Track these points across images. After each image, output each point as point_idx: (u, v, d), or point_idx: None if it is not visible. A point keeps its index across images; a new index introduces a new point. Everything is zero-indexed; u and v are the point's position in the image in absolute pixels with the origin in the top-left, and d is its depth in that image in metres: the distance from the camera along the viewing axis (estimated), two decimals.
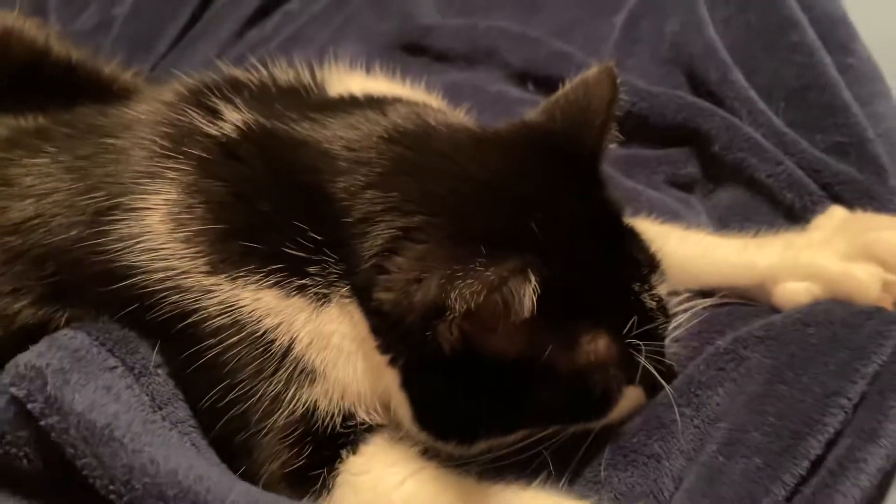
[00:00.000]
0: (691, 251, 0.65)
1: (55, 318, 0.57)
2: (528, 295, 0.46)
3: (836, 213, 0.66)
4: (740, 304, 0.65)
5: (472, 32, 1.02)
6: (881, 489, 0.52)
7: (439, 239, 0.50)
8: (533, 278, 0.45)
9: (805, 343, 0.56)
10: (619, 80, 0.57)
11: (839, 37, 0.80)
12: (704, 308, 0.64)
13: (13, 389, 0.50)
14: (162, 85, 0.80)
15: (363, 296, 0.52)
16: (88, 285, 0.56)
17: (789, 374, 0.54)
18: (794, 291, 0.62)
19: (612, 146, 0.79)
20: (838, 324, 0.56)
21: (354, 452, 0.53)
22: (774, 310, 0.62)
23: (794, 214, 0.69)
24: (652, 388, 0.57)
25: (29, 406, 0.49)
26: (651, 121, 0.81)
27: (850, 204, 0.67)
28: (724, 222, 0.72)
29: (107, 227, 0.55)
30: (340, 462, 0.52)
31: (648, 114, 0.81)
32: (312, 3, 1.20)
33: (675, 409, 0.55)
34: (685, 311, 0.61)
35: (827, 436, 0.52)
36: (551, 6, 1.06)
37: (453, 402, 0.53)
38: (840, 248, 0.62)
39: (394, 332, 0.51)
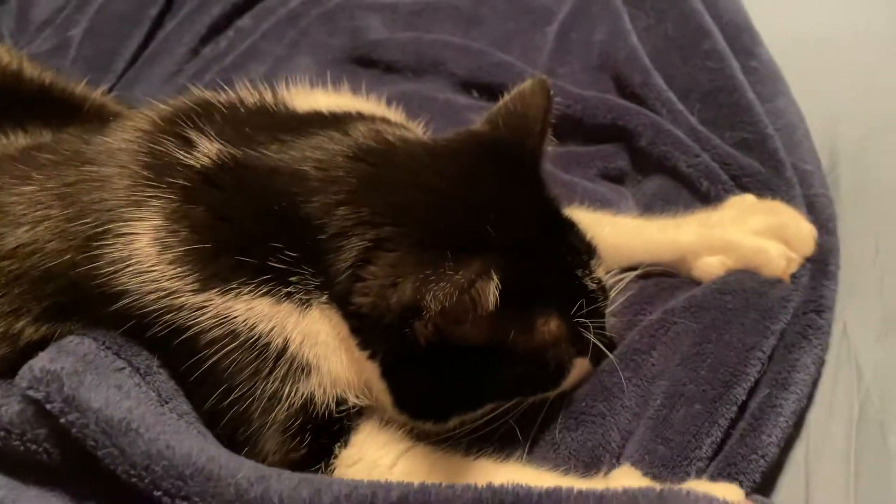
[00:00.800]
0: (621, 233, 0.73)
1: (57, 334, 0.60)
2: (492, 292, 0.52)
3: (747, 198, 0.75)
4: (666, 276, 0.73)
5: (419, 45, 1.07)
6: (796, 427, 0.62)
7: (408, 247, 0.55)
8: (496, 277, 0.51)
9: (724, 308, 0.65)
10: (552, 91, 0.64)
11: (744, 42, 0.89)
12: (634, 282, 0.72)
13: (31, 392, 0.53)
14: (134, 108, 0.84)
15: (342, 302, 0.57)
16: (86, 306, 0.59)
17: (713, 335, 0.63)
18: (710, 264, 0.70)
19: (551, 147, 0.88)
20: (749, 291, 0.66)
21: (346, 446, 0.58)
22: (695, 282, 0.71)
23: (709, 200, 0.77)
24: (597, 359, 0.64)
25: (48, 406, 0.53)
26: (584, 121, 0.89)
27: (752, 192, 0.75)
28: (650, 208, 0.79)
29: (98, 252, 0.57)
30: (335, 458, 0.57)
31: (581, 115, 0.89)
32: (264, 20, 1.23)
33: (620, 374, 0.63)
34: (618, 285, 0.68)
35: (749, 383, 0.61)
36: (490, 20, 1.11)
37: (428, 386, 0.59)
38: (751, 226, 0.71)
39: (372, 332, 0.56)
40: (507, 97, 0.65)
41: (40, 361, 0.55)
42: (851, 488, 0.59)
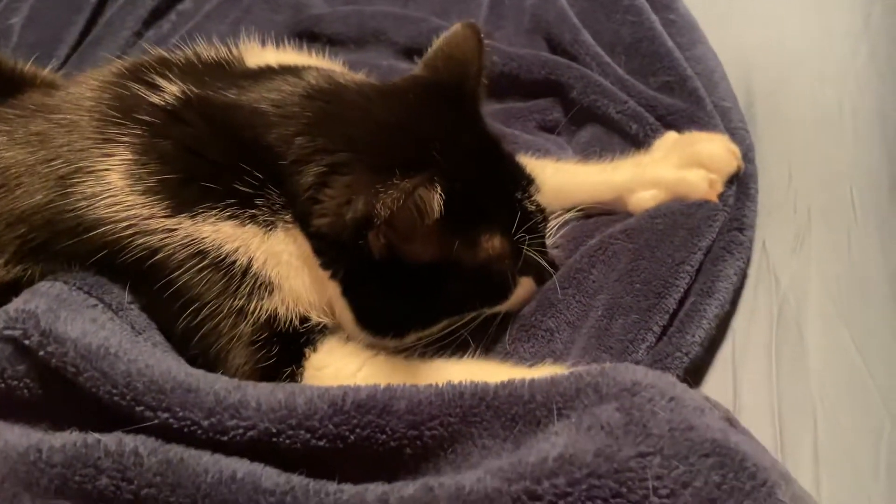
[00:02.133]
0: (562, 177, 0.77)
1: (29, 275, 0.62)
2: (435, 200, 0.56)
3: (670, 136, 0.80)
4: (604, 214, 0.77)
5: (360, 17, 1.10)
6: (723, 331, 0.68)
7: (361, 170, 0.58)
8: (438, 186, 0.55)
9: (655, 229, 0.70)
10: (482, 34, 0.68)
11: None
12: (577, 221, 0.77)
13: (8, 332, 0.54)
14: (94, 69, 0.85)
15: (303, 223, 0.60)
16: (59, 240, 0.61)
17: (647, 252, 0.68)
18: (643, 198, 0.75)
19: (497, 106, 0.92)
20: (678, 213, 0.71)
21: (315, 350, 0.61)
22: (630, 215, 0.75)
23: (639, 142, 0.82)
24: (541, 278, 0.69)
25: (26, 342, 0.54)
26: (520, 78, 0.93)
27: (679, 128, 0.81)
28: (587, 155, 0.84)
29: (71, 190, 0.60)
30: (305, 360, 0.60)
31: (518, 72, 0.93)
32: (206, 2, 1.24)
33: (558, 291, 0.67)
34: (559, 222, 0.73)
35: (679, 294, 0.66)
36: None
37: (385, 303, 0.62)
38: (674, 161, 0.76)
39: (332, 250, 0.60)
40: (440, 42, 0.69)
41: (14, 304, 0.57)
42: (773, 379, 0.64)
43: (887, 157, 0.82)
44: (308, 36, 1.12)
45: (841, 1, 1.02)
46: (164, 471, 0.48)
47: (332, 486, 0.48)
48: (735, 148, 0.76)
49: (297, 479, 0.49)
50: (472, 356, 0.64)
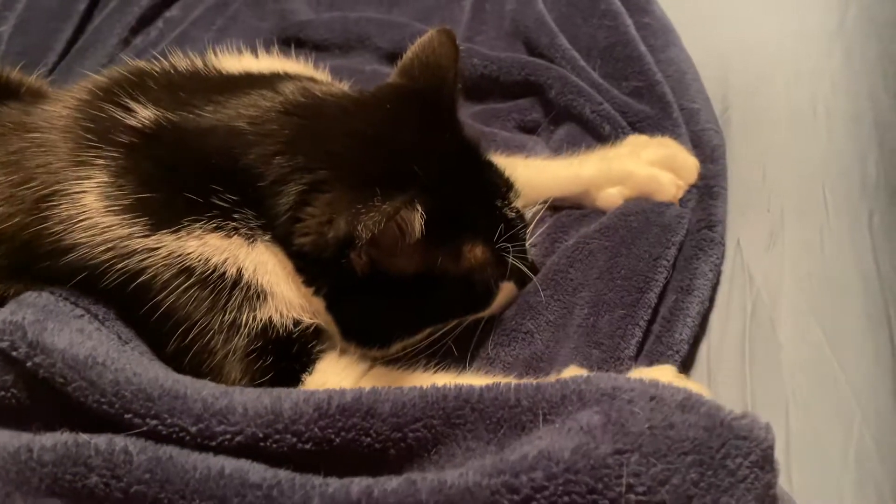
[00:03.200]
0: (532, 172, 0.77)
1: (12, 293, 0.61)
2: (417, 220, 0.56)
3: (641, 137, 0.81)
4: (574, 208, 0.79)
5: (345, 23, 1.10)
6: (700, 327, 0.69)
7: (341, 188, 0.58)
8: (419, 208, 0.55)
9: (630, 227, 0.71)
10: (456, 39, 0.68)
11: (638, 2, 0.95)
12: (550, 215, 0.77)
13: None
14: (71, 86, 0.85)
15: (285, 243, 0.60)
16: (39, 262, 0.60)
17: (623, 249, 0.69)
18: (610, 194, 0.76)
19: (478, 107, 0.92)
20: (649, 211, 0.72)
21: (311, 373, 0.61)
22: (600, 212, 0.77)
23: (610, 143, 0.82)
24: (521, 282, 0.69)
25: (14, 354, 0.54)
26: (501, 79, 0.93)
27: (647, 134, 0.81)
28: (560, 152, 0.84)
29: (47, 213, 0.59)
30: (301, 385, 0.60)
31: (498, 74, 0.93)
32: (192, 9, 1.24)
33: (541, 293, 0.68)
34: (535, 218, 0.74)
35: (659, 288, 0.67)
36: None
37: (369, 316, 0.63)
38: (644, 158, 0.77)
39: (314, 269, 0.59)
40: (415, 49, 0.68)
41: (1, 315, 0.57)
42: (747, 373, 0.66)
43: (859, 156, 0.83)
44: (294, 42, 1.13)
45: (817, 2, 1.03)
46: (154, 468, 0.49)
47: (317, 480, 0.49)
48: (697, 163, 0.78)
49: (283, 474, 0.49)
50: (460, 364, 0.65)
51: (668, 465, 0.44)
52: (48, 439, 0.51)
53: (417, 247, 0.59)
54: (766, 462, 0.45)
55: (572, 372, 0.63)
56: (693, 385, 0.56)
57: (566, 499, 0.44)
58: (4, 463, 0.50)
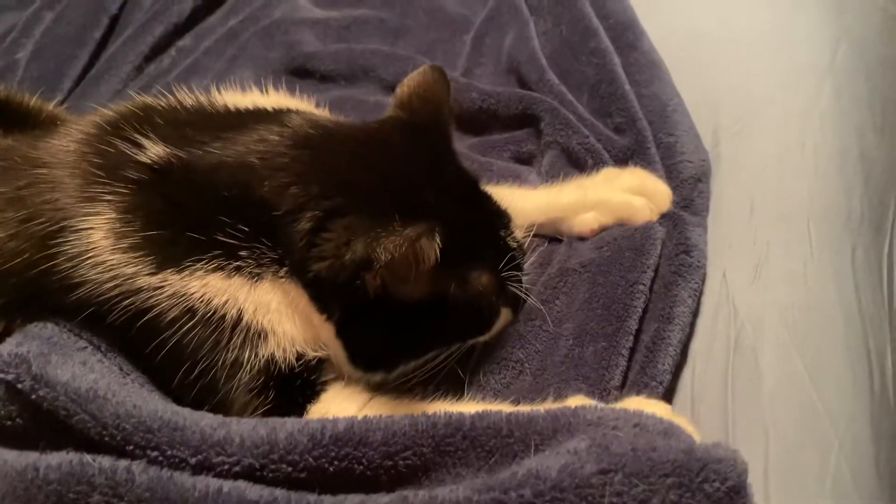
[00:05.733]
0: (516, 199, 0.76)
1: (18, 325, 0.62)
2: (434, 248, 0.57)
3: (613, 169, 0.83)
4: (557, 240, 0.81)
5: (350, 54, 1.13)
6: (683, 356, 0.70)
7: (359, 214, 0.59)
8: (438, 237, 0.56)
9: (603, 256, 0.73)
10: (448, 76, 0.70)
11: (628, 39, 0.97)
12: (542, 243, 0.79)
13: (1, 375, 0.56)
14: (81, 116, 0.87)
15: (300, 270, 0.60)
16: (46, 297, 0.61)
17: (600, 279, 0.71)
18: (586, 220, 0.78)
19: (475, 139, 0.95)
20: (620, 238, 0.74)
21: (315, 403, 0.62)
22: (577, 238, 0.79)
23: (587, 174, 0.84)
24: (516, 308, 0.71)
25: (19, 386, 0.55)
26: (499, 113, 0.95)
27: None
28: (546, 180, 0.86)
29: (55, 250, 0.59)
30: (306, 413, 0.61)
31: (496, 108, 0.95)
32: (204, 39, 1.27)
33: (528, 322, 0.70)
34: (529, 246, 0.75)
35: (638, 314, 0.68)
36: (414, 31, 1.18)
37: (377, 340, 0.64)
38: (618, 185, 0.79)
39: (329, 293, 0.60)
40: (411, 84, 0.71)
41: (7, 347, 0.58)
42: (729, 403, 0.66)
43: (845, 192, 0.84)
44: (301, 72, 1.16)
45: (807, 41, 1.04)
46: (154, 486, 0.50)
47: (312, 497, 0.50)
48: (670, 192, 0.79)
49: (279, 492, 0.50)
50: (458, 389, 0.66)
51: (649, 486, 0.46)
52: (54, 458, 0.52)
53: (429, 274, 0.61)
54: (741, 488, 0.47)
55: (578, 402, 0.62)
56: (680, 421, 0.57)
57: None
58: (12, 481, 0.51)
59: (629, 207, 0.76)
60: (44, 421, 0.56)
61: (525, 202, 0.79)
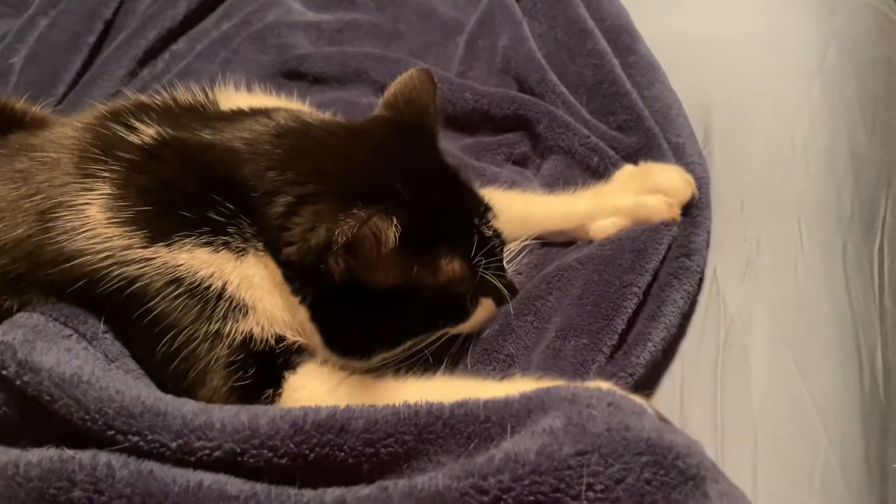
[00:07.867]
0: (527, 206, 0.81)
1: (7, 305, 0.64)
2: (391, 230, 0.58)
3: (627, 168, 0.83)
4: (566, 244, 0.81)
5: (343, 57, 1.14)
6: (672, 353, 0.70)
7: (328, 200, 0.62)
8: (393, 218, 0.58)
9: (604, 255, 0.73)
10: (438, 78, 0.72)
11: (624, 41, 0.98)
12: (539, 248, 0.80)
13: None
14: (73, 115, 0.89)
15: (274, 251, 0.63)
16: (39, 270, 0.63)
17: (595, 277, 0.71)
18: (603, 226, 0.78)
19: (469, 140, 0.95)
20: (625, 239, 0.74)
21: (294, 372, 0.63)
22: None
23: (599, 174, 0.85)
24: (499, 299, 0.71)
25: (4, 372, 0.56)
26: (491, 113, 0.96)
27: (637, 163, 0.84)
28: (551, 187, 0.87)
29: (51, 224, 0.63)
30: (284, 382, 0.63)
31: (489, 108, 0.96)
32: (198, 42, 1.28)
33: (519, 317, 0.70)
34: (521, 248, 0.76)
35: (626, 315, 0.69)
36: (407, 34, 1.19)
37: (352, 326, 0.65)
38: (633, 188, 0.79)
39: (300, 276, 0.63)
40: (398, 86, 0.73)
41: None
42: (718, 398, 0.67)
43: (835, 190, 0.85)
44: (294, 75, 1.17)
45: (798, 41, 1.05)
46: (135, 481, 0.50)
47: (292, 491, 0.51)
48: (689, 177, 0.79)
49: (260, 487, 0.51)
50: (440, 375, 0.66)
51: (624, 465, 0.47)
52: (34, 455, 0.53)
53: (394, 258, 0.62)
54: (710, 464, 0.49)
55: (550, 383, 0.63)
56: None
57: (532, 498, 0.46)
58: None
59: (643, 209, 0.77)
60: (28, 409, 0.57)
61: (538, 208, 0.81)
